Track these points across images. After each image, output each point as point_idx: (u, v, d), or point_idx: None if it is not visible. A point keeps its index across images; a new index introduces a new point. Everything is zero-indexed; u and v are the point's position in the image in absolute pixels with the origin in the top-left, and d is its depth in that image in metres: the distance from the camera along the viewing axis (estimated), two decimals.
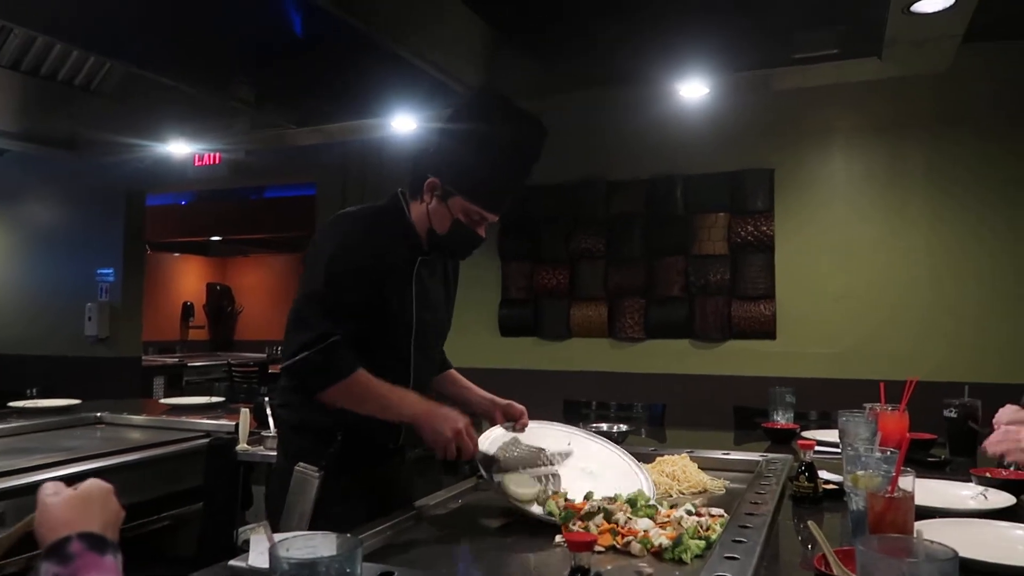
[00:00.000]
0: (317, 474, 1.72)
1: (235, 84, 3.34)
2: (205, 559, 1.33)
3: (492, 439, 1.88)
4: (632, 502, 1.62)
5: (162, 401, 3.90)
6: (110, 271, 6.60)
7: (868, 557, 0.86)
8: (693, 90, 3.80)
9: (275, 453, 2.62)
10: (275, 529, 1.74)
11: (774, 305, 4.66)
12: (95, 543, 0.90)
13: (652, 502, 1.65)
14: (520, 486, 1.66)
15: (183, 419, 3.27)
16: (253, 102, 3.44)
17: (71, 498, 0.95)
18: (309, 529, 1.61)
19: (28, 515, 0.96)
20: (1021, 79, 4.19)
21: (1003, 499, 1.73)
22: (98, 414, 3.43)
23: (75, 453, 2.61)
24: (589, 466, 1.91)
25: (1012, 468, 1.94)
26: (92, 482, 0.99)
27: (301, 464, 1.75)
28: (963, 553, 1.26)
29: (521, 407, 2.00)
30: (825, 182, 4.63)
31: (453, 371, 2.16)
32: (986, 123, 4.27)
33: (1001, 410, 2.42)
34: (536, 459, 1.82)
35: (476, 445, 1.71)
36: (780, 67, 3.46)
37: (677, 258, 4.89)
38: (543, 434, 1.98)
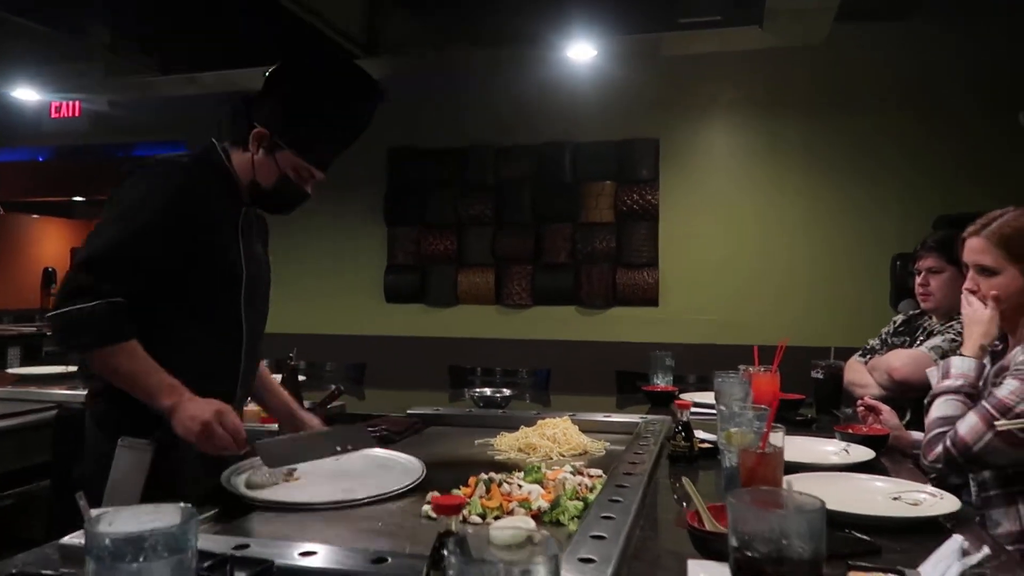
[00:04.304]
0: (149, 446, 1.57)
1: (88, 23, 3.04)
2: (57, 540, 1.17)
3: None
4: (525, 470, 1.58)
5: (9, 371, 3.57)
6: None
7: (739, 510, 0.84)
8: (581, 52, 3.77)
9: None
10: None
11: (657, 273, 4.75)
12: None
13: (539, 466, 1.60)
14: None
15: (31, 389, 2.99)
16: (108, 43, 3.14)
17: None
18: None
19: None
20: (890, 58, 4.39)
21: (863, 453, 1.83)
22: None
23: None
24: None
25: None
26: None
27: (125, 439, 1.58)
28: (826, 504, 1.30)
29: (315, 422, 1.91)
30: (708, 153, 4.74)
31: (263, 365, 2.00)
32: (857, 100, 4.46)
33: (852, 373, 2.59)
34: (325, 448, 1.68)
35: (242, 434, 1.53)
36: (666, 31, 3.47)
37: (565, 225, 4.90)
38: None
